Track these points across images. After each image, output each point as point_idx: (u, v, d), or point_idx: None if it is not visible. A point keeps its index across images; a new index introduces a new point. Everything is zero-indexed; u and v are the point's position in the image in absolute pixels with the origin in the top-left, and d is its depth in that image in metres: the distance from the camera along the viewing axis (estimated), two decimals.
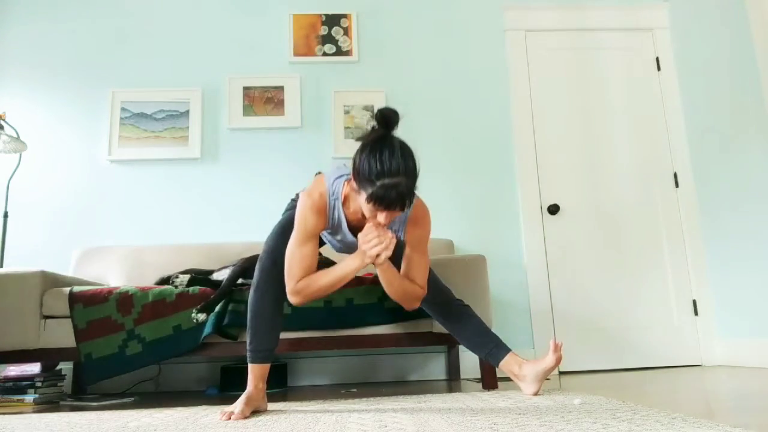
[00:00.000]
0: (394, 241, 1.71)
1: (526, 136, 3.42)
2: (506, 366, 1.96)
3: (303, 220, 1.82)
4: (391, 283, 1.85)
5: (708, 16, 3.23)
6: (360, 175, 1.65)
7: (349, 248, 1.96)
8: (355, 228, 1.86)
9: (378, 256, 1.70)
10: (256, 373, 1.82)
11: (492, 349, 1.99)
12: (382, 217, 1.67)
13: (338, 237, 1.93)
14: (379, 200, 1.61)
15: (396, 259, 1.91)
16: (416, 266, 1.91)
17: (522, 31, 3.57)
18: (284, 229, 1.92)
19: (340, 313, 2.33)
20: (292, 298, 1.80)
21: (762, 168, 2.86)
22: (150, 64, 3.40)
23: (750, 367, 2.87)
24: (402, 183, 1.61)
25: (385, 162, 1.61)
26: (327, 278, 1.79)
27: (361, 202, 1.68)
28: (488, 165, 3.39)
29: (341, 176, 1.85)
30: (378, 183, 1.60)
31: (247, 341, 1.83)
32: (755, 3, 2.87)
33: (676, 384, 2.25)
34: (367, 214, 1.69)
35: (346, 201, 1.84)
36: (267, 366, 1.84)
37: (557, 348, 1.89)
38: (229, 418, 1.63)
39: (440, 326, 2.38)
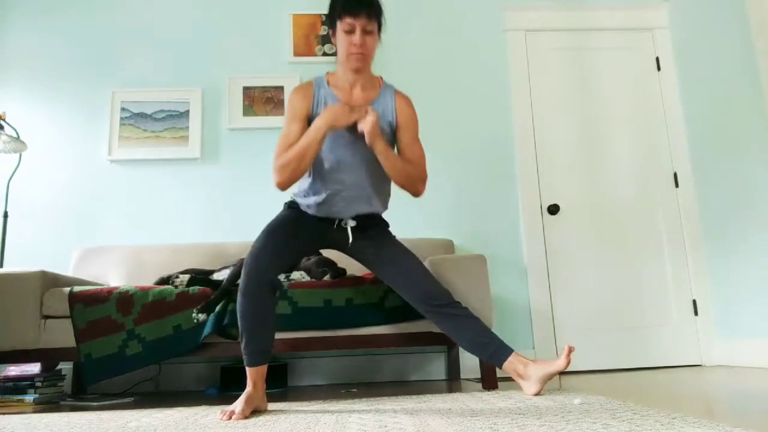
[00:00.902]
0: (375, 120, 1.86)
1: (526, 136, 3.42)
2: (510, 366, 1.95)
3: (290, 103, 1.99)
4: (390, 162, 1.93)
5: (708, 16, 3.23)
6: (330, 12, 1.96)
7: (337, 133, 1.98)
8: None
9: (369, 135, 1.85)
10: (254, 375, 1.82)
11: (495, 351, 1.97)
12: (357, 36, 1.89)
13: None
14: (346, 2, 1.88)
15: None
16: (413, 152, 2.02)
17: (522, 31, 3.56)
18: (269, 232, 1.94)
19: (340, 313, 2.33)
20: (275, 176, 1.90)
21: (762, 168, 2.86)
22: (150, 64, 3.40)
23: (750, 367, 2.87)
24: None
25: None
26: (300, 148, 1.87)
27: (337, 41, 1.95)
28: (488, 165, 3.39)
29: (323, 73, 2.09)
30: None
31: (242, 345, 1.83)
32: (755, 3, 2.87)
33: (676, 384, 2.25)
34: (343, 42, 1.92)
35: (330, 81, 2.02)
36: (264, 367, 1.84)
37: (568, 352, 1.88)
38: (230, 418, 1.63)
39: None
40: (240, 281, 1.84)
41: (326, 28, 3.48)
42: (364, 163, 1.99)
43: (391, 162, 1.93)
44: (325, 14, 3.56)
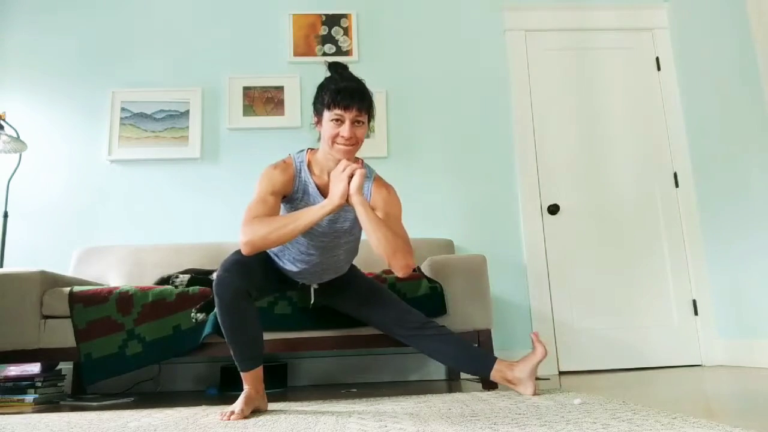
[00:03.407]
0: (363, 171, 1.69)
1: (526, 136, 3.42)
2: (498, 374, 1.95)
3: (269, 176, 1.80)
4: (375, 223, 1.68)
5: (708, 16, 3.23)
6: (317, 101, 1.79)
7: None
8: (323, 193, 1.83)
9: (351, 187, 1.65)
10: (249, 378, 1.81)
11: (480, 363, 1.97)
12: (346, 129, 1.73)
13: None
14: (336, 94, 1.72)
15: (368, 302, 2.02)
16: (394, 225, 1.78)
17: (522, 31, 3.56)
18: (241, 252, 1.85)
19: (341, 313, 2.33)
20: (248, 235, 1.65)
21: (762, 168, 2.86)
22: (150, 64, 3.40)
23: (750, 367, 2.87)
24: (354, 83, 1.76)
25: (336, 78, 1.79)
26: (292, 217, 1.68)
27: (323, 127, 1.77)
28: (488, 165, 3.39)
29: (303, 149, 1.93)
30: (333, 87, 1.74)
31: (231, 353, 1.80)
32: (755, 3, 2.87)
33: (676, 384, 2.25)
34: (329, 132, 1.75)
35: (310, 166, 1.87)
36: (259, 369, 1.82)
37: (538, 338, 1.91)
38: (229, 418, 1.63)
39: None
40: (215, 295, 1.75)
41: (326, 27, 3.49)
42: (336, 247, 1.94)
43: (372, 219, 1.68)
44: (325, 14, 3.61)
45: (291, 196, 1.85)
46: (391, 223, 1.78)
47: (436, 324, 2.03)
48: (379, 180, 1.92)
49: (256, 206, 1.73)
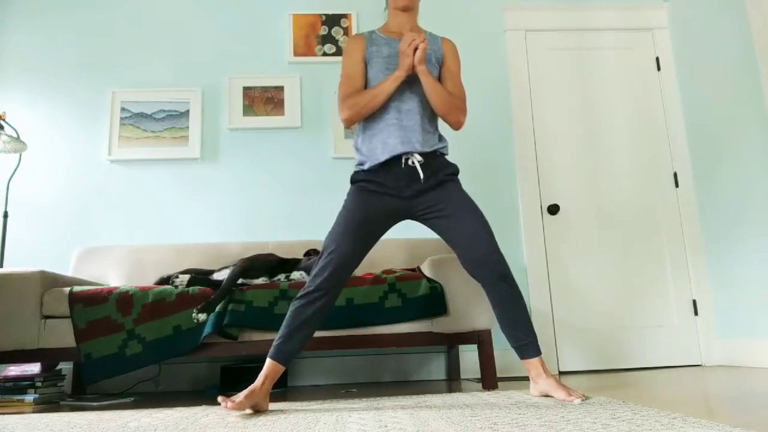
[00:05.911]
0: (425, 46, 1.94)
1: (526, 136, 3.42)
2: (528, 365, 1.91)
3: (346, 53, 2.11)
4: (434, 88, 1.99)
5: (708, 16, 3.23)
6: None
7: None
8: (393, 36, 2.12)
9: (416, 52, 1.93)
10: (268, 371, 1.82)
11: (524, 346, 1.92)
12: None
13: (385, 51, 2.08)
14: None
15: None
16: (455, 88, 2.10)
17: (522, 31, 3.57)
18: (344, 233, 1.91)
19: (340, 313, 2.33)
20: (344, 112, 1.99)
21: (762, 168, 2.86)
22: (150, 64, 3.40)
23: (750, 367, 2.87)
24: None
25: None
26: (374, 90, 1.99)
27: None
28: (488, 165, 3.39)
29: None
30: None
31: (277, 336, 1.85)
32: (755, 3, 2.87)
33: (676, 384, 2.25)
34: None
35: (381, 30, 2.16)
36: (282, 368, 1.84)
37: (579, 396, 1.78)
38: (227, 405, 1.66)
39: (440, 326, 2.38)
40: (312, 280, 1.83)
41: (326, 27, 3.49)
42: (416, 96, 2.04)
43: (432, 85, 1.99)
44: (325, 14, 3.61)
45: (368, 56, 2.09)
46: (450, 77, 2.11)
47: (515, 283, 1.94)
48: (445, 39, 2.20)
49: (345, 85, 2.05)
